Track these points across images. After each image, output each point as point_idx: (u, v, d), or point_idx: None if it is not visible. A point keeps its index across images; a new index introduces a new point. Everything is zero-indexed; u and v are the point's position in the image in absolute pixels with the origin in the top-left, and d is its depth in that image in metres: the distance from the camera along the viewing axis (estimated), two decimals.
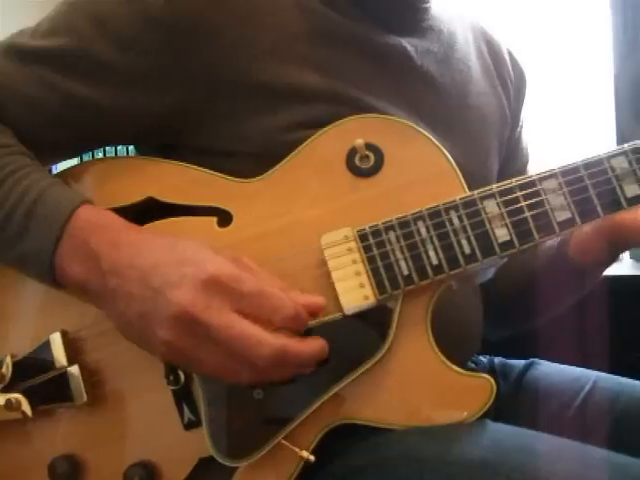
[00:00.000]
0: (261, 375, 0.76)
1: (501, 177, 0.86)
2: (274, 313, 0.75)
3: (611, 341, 1.49)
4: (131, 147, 1.04)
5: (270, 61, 0.87)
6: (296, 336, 0.76)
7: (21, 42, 0.89)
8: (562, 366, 1.16)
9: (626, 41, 1.72)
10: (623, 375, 1.10)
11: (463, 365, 0.97)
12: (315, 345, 0.77)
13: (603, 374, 1.11)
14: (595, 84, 1.86)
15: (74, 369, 0.85)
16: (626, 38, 1.72)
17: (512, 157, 1.15)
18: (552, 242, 1.02)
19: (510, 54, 1.15)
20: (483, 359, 1.19)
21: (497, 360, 1.20)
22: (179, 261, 0.76)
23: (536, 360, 1.18)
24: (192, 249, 0.78)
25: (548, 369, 1.15)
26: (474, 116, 1.03)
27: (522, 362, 1.17)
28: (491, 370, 1.16)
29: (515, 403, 1.09)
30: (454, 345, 0.86)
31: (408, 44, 0.95)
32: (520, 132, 1.18)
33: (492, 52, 1.12)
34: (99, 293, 0.79)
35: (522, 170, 1.18)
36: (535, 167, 1.18)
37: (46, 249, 0.80)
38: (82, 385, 0.85)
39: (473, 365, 1.13)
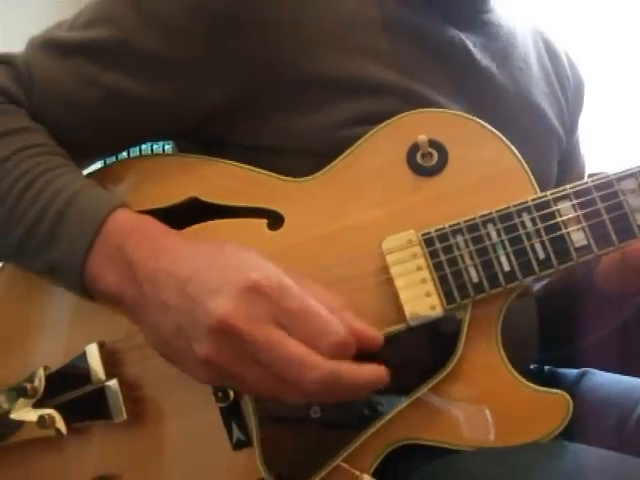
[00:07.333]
0: (309, 398, 0.68)
1: (557, 186, 0.79)
2: (320, 337, 0.65)
3: None
4: (168, 145, 0.97)
5: (326, 50, 0.80)
6: (349, 360, 0.67)
7: (59, 35, 0.83)
8: (618, 376, 1.09)
9: None
10: None
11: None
12: (371, 373, 0.67)
13: None
14: None
15: (113, 384, 0.78)
16: None
17: (568, 166, 1.07)
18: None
19: (569, 58, 1.08)
20: (531, 368, 1.12)
21: (546, 369, 1.13)
22: (221, 267, 0.68)
23: (589, 370, 1.11)
24: (237, 255, 0.70)
25: (603, 379, 1.08)
26: (535, 117, 0.97)
27: (574, 372, 1.11)
28: (541, 380, 1.09)
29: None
30: (513, 356, 0.79)
31: (467, 38, 0.89)
32: (577, 140, 1.10)
33: (551, 54, 1.05)
34: (135, 304, 0.71)
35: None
36: None
37: (76, 257, 0.73)
38: (121, 401, 0.78)
39: None
